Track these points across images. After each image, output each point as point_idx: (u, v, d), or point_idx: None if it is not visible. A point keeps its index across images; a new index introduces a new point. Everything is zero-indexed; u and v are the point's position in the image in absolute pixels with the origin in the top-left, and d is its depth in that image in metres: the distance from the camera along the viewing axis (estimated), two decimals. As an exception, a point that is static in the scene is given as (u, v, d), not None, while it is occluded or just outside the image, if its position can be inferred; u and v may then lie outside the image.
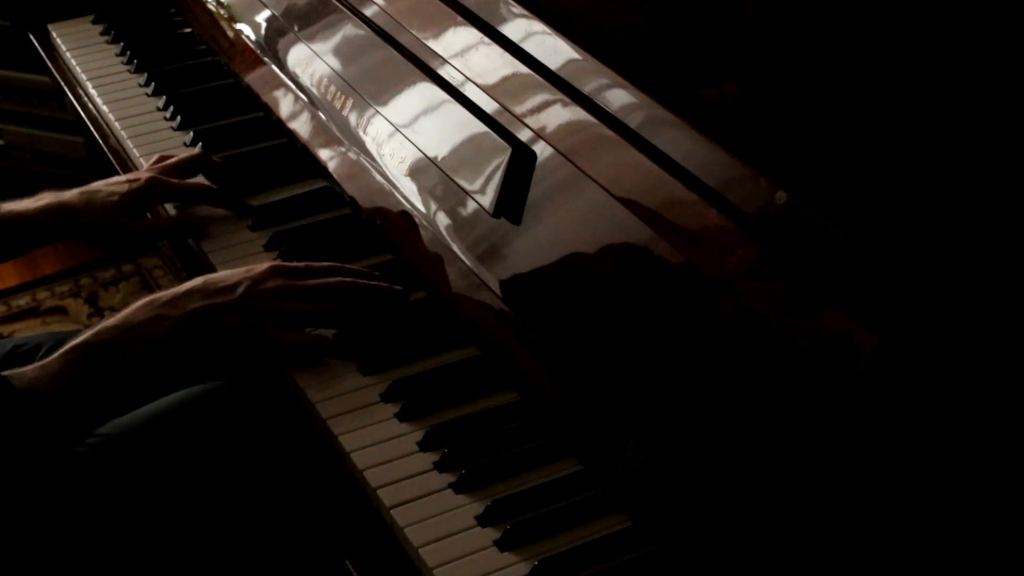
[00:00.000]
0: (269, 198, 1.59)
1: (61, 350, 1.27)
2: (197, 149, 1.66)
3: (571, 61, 1.31)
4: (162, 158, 1.61)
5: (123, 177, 1.59)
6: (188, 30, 1.95)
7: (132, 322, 1.29)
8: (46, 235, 1.56)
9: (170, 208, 1.60)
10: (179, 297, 1.32)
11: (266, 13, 1.79)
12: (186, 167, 1.58)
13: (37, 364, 1.26)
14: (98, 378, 1.27)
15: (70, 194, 1.54)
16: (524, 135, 1.33)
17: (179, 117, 1.74)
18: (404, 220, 1.46)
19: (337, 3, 1.64)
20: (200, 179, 1.59)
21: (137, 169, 1.66)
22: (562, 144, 1.29)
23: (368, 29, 1.57)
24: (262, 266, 1.36)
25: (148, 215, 1.58)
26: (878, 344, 0.99)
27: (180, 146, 1.70)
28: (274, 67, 1.74)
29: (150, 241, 1.69)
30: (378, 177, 1.51)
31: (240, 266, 1.47)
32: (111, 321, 1.30)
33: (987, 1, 1.21)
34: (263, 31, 1.79)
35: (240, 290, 1.32)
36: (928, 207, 1.07)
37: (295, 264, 1.39)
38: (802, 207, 1.07)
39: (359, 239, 1.51)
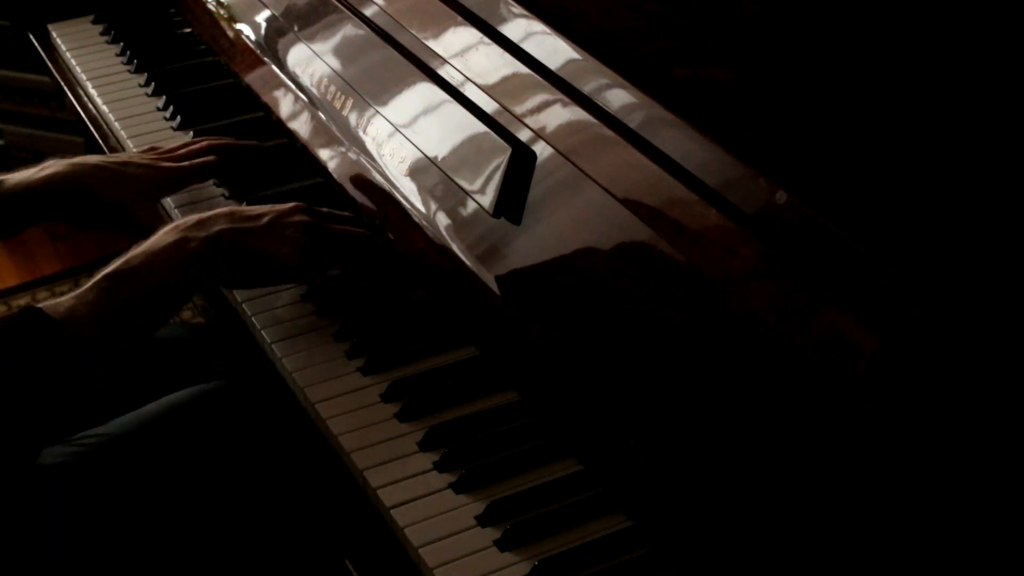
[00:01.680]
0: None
1: (93, 279, 1.29)
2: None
3: (571, 61, 1.31)
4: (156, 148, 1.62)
5: (145, 158, 1.58)
6: (188, 30, 1.95)
7: (160, 245, 1.32)
8: (47, 213, 1.54)
9: (169, 204, 1.60)
10: (205, 220, 1.35)
11: (266, 13, 1.79)
12: (200, 172, 1.58)
13: (71, 294, 1.27)
14: (131, 302, 1.28)
15: (90, 164, 1.52)
16: (524, 135, 1.33)
17: (179, 117, 1.74)
18: (404, 220, 1.46)
19: (337, 3, 1.64)
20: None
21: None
22: (562, 144, 1.29)
23: (368, 29, 1.57)
24: (288, 204, 1.40)
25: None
26: (878, 345, 0.99)
27: (180, 146, 1.70)
28: (274, 67, 1.74)
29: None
30: (378, 177, 1.51)
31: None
32: (140, 247, 1.32)
33: (987, 1, 1.21)
34: (263, 31, 1.79)
35: (265, 220, 1.36)
36: (928, 207, 1.07)
37: (319, 208, 1.43)
38: (802, 207, 1.07)
39: (359, 239, 1.51)
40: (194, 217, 1.35)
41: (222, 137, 1.65)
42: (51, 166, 1.51)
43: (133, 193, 1.52)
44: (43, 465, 1.34)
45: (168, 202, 1.61)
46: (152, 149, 1.62)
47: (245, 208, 1.39)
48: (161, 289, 1.30)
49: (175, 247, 1.32)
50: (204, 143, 1.61)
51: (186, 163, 1.57)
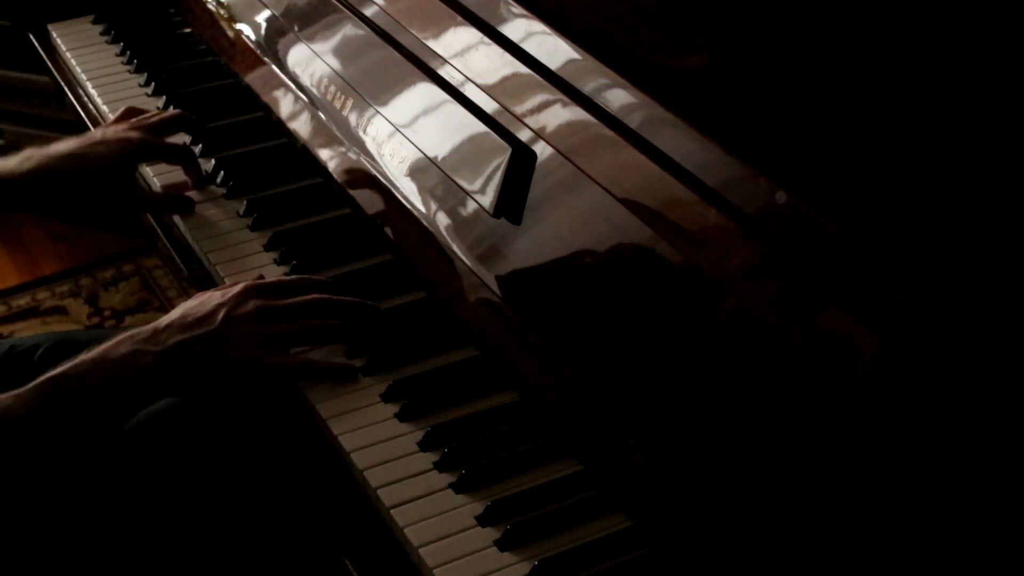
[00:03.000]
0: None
1: (38, 380, 1.26)
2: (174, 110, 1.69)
3: (571, 61, 1.31)
4: (133, 111, 1.64)
5: (109, 134, 1.59)
6: (188, 30, 1.95)
7: (110, 357, 1.27)
8: (27, 199, 1.55)
9: (155, 179, 1.61)
10: (159, 332, 1.30)
11: (266, 13, 1.79)
12: (168, 124, 1.62)
13: (12, 393, 1.25)
14: (70, 410, 1.25)
15: (57, 156, 1.53)
16: (524, 135, 1.33)
17: (179, 118, 1.74)
18: (404, 220, 1.46)
19: (337, 3, 1.64)
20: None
21: (139, 173, 1.67)
22: (562, 144, 1.29)
23: (368, 29, 1.57)
24: (236, 288, 1.34)
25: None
26: (878, 344, 0.99)
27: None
28: (274, 67, 1.74)
29: (136, 212, 1.70)
30: (378, 177, 1.51)
31: (239, 266, 1.48)
32: (91, 354, 1.28)
33: (987, 1, 1.21)
34: (263, 31, 1.79)
35: (219, 319, 1.30)
36: (928, 207, 1.07)
37: (268, 281, 1.38)
38: (802, 207, 1.07)
39: (359, 239, 1.51)
40: (148, 327, 1.31)
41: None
42: (30, 159, 1.53)
43: (103, 175, 1.54)
44: (43, 462, 1.34)
45: (147, 170, 1.61)
46: (132, 112, 1.64)
47: (195, 307, 1.32)
48: (104, 400, 1.26)
49: (126, 361, 1.27)
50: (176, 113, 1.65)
51: (154, 119, 1.60)
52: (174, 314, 1.33)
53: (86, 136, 1.60)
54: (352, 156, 1.56)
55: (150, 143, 1.58)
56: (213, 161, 1.64)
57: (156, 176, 1.64)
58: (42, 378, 1.26)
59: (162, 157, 1.62)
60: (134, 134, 1.58)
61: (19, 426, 1.23)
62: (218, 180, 1.62)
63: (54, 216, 2.94)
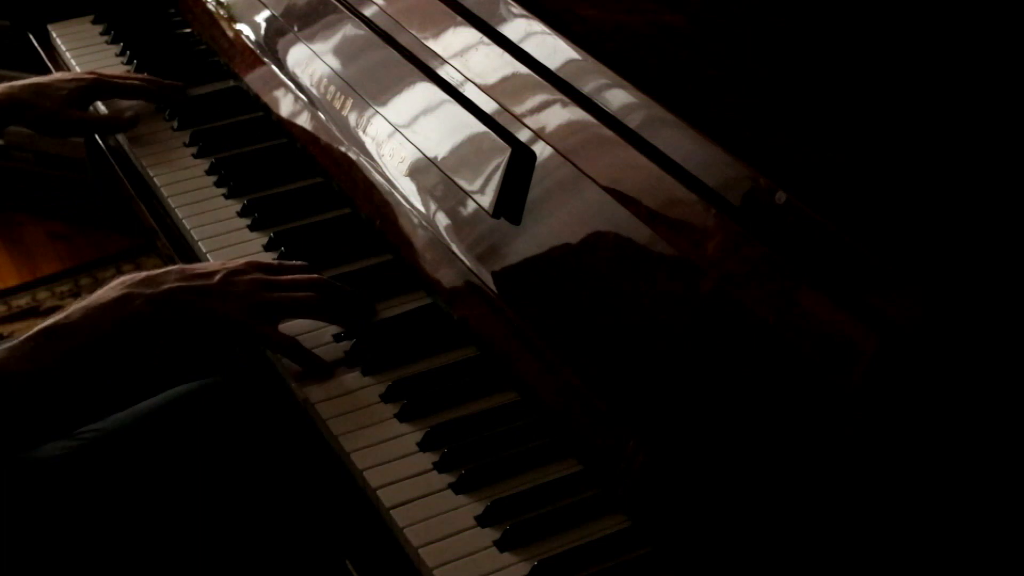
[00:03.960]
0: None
1: (31, 331, 1.26)
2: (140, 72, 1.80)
3: (571, 61, 1.31)
4: (101, 73, 1.76)
5: (69, 75, 1.76)
6: (188, 30, 1.95)
7: (102, 300, 1.28)
8: None
9: (169, 204, 1.61)
10: (154, 277, 1.31)
11: (266, 13, 1.79)
12: (130, 88, 1.74)
13: (6, 345, 1.24)
14: (66, 357, 1.25)
15: (19, 86, 1.70)
16: (524, 135, 1.33)
17: (178, 117, 1.74)
18: (404, 220, 1.46)
19: (337, 3, 1.64)
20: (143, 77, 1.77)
21: (138, 172, 1.68)
22: (562, 144, 1.29)
23: (368, 29, 1.57)
24: (238, 260, 1.37)
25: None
26: (877, 344, 0.99)
27: (180, 145, 1.70)
28: (274, 67, 1.74)
29: (84, 132, 1.82)
30: (378, 177, 1.51)
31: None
32: (81, 302, 1.28)
33: (987, 1, 1.21)
34: (263, 31, 1.79)
35: (217, 277, 1.33)
36: (928, 207, 1.07)
37: (270, 261, 1.41)
38: (802, 207, 1.07)
39: (358, 239, 1.51)
40: (143, 273, 1.32)
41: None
42: None
43: (57, 106, 1.68)
44: (41, 459, 1.33)
45: (167, 201, 1.61)
46: (101, 73, 1.76)
47: (196, 265, 1.35)
48: (98, 346, 1.26)
49: (118, 303, 1.27)
50: (143, 76, 1.77)
51: (116, 79, 1.73)
52: (173, 267, 1.35)
53: (58, 74, 1.76)
54: (352, 156, 1.56)
55: (106, 79, 1.72)
56: (212, 160, 1.64)
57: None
58: (33, 330, 1.26)
59: (118, 94, 1.74)
60: (90, 75, 1.72)
61: (17, 380, 1.23)
62: (218, 180, 1.62)
63: (54, 216, 2.94)
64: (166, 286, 1.30)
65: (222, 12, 1.88)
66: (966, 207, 1.06)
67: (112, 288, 1.30)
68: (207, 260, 1.51)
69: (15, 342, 1.25)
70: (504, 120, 1.36)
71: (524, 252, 1.31)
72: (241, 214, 1.57)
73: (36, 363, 1.24)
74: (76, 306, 1.28)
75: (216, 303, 1.31)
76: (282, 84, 1.71)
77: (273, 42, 1.76)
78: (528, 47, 1.36)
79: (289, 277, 1.38)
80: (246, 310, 1.31)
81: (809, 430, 1.03)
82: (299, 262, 1.43)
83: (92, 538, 1.33)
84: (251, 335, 1.33)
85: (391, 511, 1.19)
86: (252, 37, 1.81)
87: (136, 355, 1.30)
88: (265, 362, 1.38)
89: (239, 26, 1.84)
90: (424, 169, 1.44)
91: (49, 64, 1.95)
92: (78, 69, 1.87)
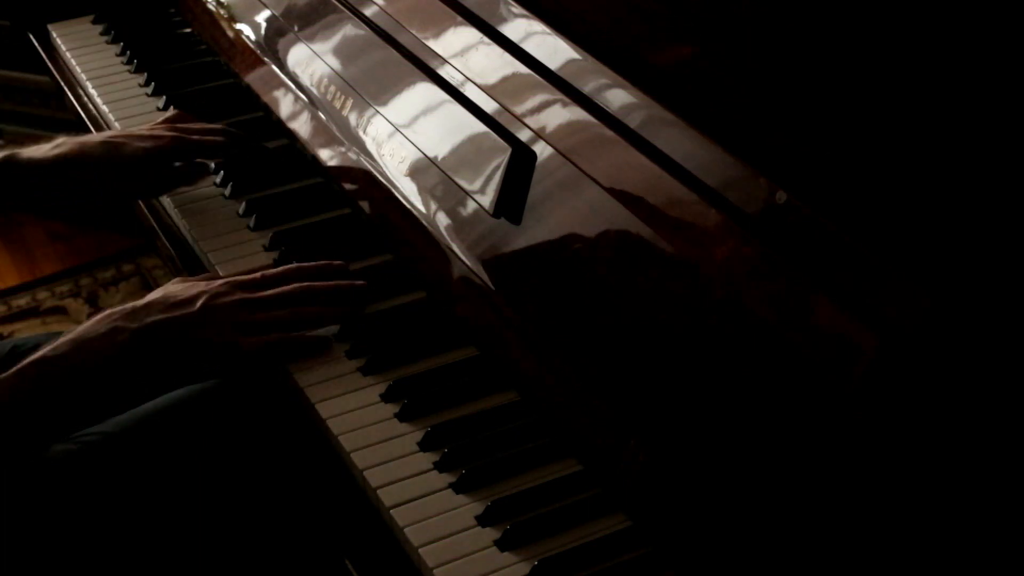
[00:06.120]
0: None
1: (19, 365, 1.27)
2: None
3: (571, 61, 1.31)
4: (182, 116, 1.62)
5: (145, 131, 1.58)
6: (188, 30, 1.95)
7: (88, 336, 1.29)
8: (57, 189, 1.54)
9: (169, 204, 1.61)
10: (137, 310, 1.31)
11: (266, 13, 1.79)
12: (210, 147, 1.59)
13: None
14: (52, 392, 1.26)
15: (92, 143, 1.53)
16: (524, 135, 1.33)
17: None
18: (404, 220, 1.46)
19: (337, 3, 1.64)
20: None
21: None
22: (562, 144, 1.29)
23: (368, 29, 1.57)
24: (218, 280, 1.36)
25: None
26: (877, 344, 0.99)
27: (180, 146, 1.69)
28: (274, 67, 1.74)
29: (152, 196, 1.66)
30: (378, 177, 1.51)
31: (239, 266, 1.48)
32: (69, 335, 1.29)
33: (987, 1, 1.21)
34: (263, 31, 1.79)
35: (199, 304, 1.32)
36: (928, 206, 1.07)
37: (250, 275, 1.39)
38: (802, 207, 1.07)
39: (359, 239, 1.51)
40: (128, 306, 1.32)
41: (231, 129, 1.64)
42: (63, 144, 1.53)
43: (133, 167, 1.52)
44: (42, 460, 1.33)
45: (166, 201, 1.61)
46: (167, 121, 1.61)
47: (177, 291, 1.34)
48: (86, 379, 1.27)
49: (105, 338, 1.28)
50: (219, 127, 1.61)
51: (194, 136, 1.57)
52: (155, 295, 1.34)
53: (125, 129, 1.61)
54: (352, 156, 1.56)
55: (184, 140, 1.56)
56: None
57: (173, 203, 1.61)
58: (23, 363, 1.27)
59: (199, 155, 1.59)
60: (169, 132, 1.57)
61: (4, 411, 1.23)
62: (218, 180, 1.62)
63: (58, 216, 2.94)
64: (150, 319, 1.30)
65: (222, 12, 1.88)
66: (966, 207, 1.06)
67: (99, 322, 1.30)
68: (208, 260, 1.51)
69: (3, 376, 1.26)
70: (504, 120, 1.36)
71: (525, 252, 1.31)
72: (242, 215, 1.57)
73: (23, 394, 1.25)
74: (64, 339, 1.29)
75: (198, 331, 1.31)
76: (282, 84, 1.71)
77: (273, 42, 1.76)
78: (528, 47, 1.36)
79: (272, 292, 1.36)
80: (228, 333, 1.31)
81: (809, 430, 1.03)
82: (283, 268, 1.41)
83: (93, 539, 1.33)
84: (239, 355, 1.32)
85: (391, 511, 1.19)
86: (252, 37, 1.81)
87: (127, 385, 1.32)
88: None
89: (239, 26, 1.84)
90: (424, 169, 1.44)
91: (49, 64, 1.95)
92: (79, 70, 1.87)
